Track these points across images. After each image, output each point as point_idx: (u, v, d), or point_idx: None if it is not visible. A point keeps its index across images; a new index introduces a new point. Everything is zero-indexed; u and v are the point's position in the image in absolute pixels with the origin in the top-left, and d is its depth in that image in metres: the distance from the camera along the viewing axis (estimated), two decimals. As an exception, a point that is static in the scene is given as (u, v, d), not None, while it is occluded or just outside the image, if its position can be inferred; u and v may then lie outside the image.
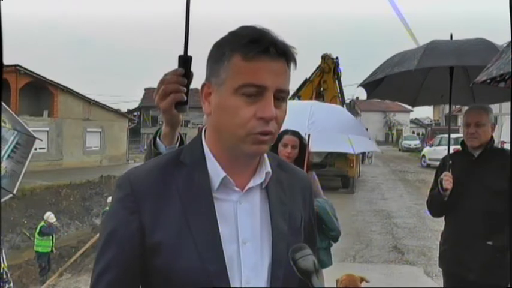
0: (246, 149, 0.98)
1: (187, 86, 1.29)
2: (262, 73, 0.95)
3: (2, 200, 4.25)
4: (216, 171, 1.02)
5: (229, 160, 1.02)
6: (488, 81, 2.24)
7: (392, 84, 3.58)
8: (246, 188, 1.04)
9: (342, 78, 15.90)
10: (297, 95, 15.07)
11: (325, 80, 15.40)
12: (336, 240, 3.16)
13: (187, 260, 0.97)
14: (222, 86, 0.98)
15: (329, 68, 15.42)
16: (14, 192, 4.28)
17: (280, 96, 0.98)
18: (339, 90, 15.80)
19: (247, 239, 1.01)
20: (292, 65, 1.01)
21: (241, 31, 0.99)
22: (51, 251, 11.17)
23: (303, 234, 1.11)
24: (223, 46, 0.99)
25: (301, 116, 3.75)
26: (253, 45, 0.94)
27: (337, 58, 15.73)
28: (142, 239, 0.99)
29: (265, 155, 1.07)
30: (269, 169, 1.06)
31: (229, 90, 0.96)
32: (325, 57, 15.55)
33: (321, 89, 15.47)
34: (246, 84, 0.95)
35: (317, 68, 15.62)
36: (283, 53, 0.97)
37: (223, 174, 1.01)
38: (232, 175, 1.02)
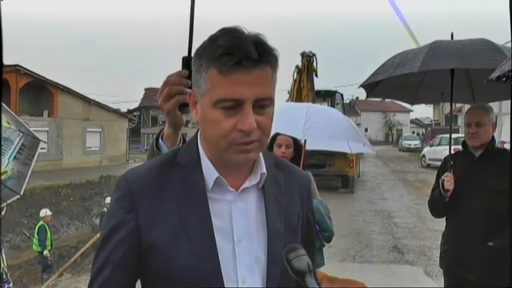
0: (232, 158, 1.00)
1: (191, 87, 1.29)
2: (237, 86, 0.93)
3: (10, 201, 4.27)
4: (210, 171, 1.03)
5: (223, 162, 1.03)
6: (504, 78, 2.23)
7: (392, 83, 3.55)
8: (241, 188, 1.05)
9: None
10: (290, 96, 14.98)
11: (302, 79, 15.23)
12: (329, 240, 3.14)
13: (183, 260, 0.98)
14: (203, 98, 0.99)
15: (304, 65, 15.17)
16: (21, 193, 4.28)
17: (262, 104, 0.97)
18: (310, 87, 15.55)
19: (242, 238, 1.02)
20: (274, 68, 0.98)
21: (217, 39, 0.96)
22: (50, 249, 11.14)
23: (300, 233, 1.12)
24: (201, 56, 0.98)
25: (297, 120, 3.69)
26: (227, 57, 0.92)
27: (314, 55, 15.43)
28: (138, 239, 1.01)
29: (261, 155, 1.08)
30: (264, 170, 1.07)
31: (209, 103, 0.97)
32: (303, 55, 15.32)
33: (302, 86, 15.28)
34: (222, 99, 0.95)
35: (295, 67, 15.41)
36: (260, 61, 0.94)
37: (217, 174, 1.02)
38: (227, 176, 1.03)
